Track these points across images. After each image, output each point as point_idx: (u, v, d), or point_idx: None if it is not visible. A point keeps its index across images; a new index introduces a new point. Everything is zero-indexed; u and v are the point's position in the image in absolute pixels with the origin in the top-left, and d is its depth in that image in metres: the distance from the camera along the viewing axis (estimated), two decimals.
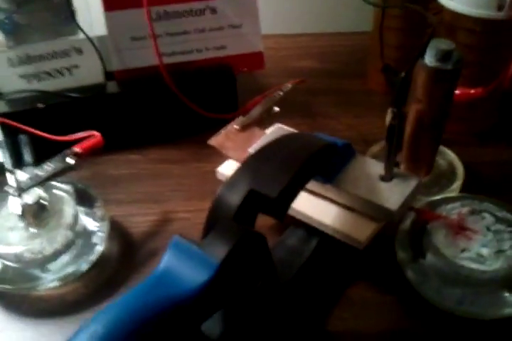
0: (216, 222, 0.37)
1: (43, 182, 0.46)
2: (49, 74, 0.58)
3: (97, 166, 0.59)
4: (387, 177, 0.45)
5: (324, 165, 0.44)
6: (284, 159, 0.40)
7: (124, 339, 0.30)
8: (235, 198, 0.37)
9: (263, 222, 0.43)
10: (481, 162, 0.58)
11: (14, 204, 0.46)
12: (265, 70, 0.67)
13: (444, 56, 0.44)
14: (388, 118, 0.43)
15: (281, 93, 0.56)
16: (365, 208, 0.45)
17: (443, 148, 0.55)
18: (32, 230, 0.47)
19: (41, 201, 0.47)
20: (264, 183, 0.38)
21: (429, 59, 0.45)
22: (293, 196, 0.41)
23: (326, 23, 0.83)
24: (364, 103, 0.67)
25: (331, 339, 0.43)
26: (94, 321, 0.30)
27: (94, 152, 0.48)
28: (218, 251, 0.33)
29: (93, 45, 0.57)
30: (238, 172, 0.39)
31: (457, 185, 0.52)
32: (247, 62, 0.64)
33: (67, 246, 0.47)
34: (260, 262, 0.38)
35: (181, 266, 0.33)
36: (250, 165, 0.40)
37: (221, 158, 0.52)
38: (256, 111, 0.54)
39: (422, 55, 0.45)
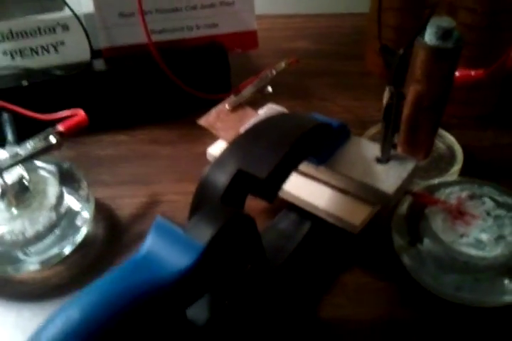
0: (203, 203, 0.36)
1: (24, 161, 0.44)
2: (34, 50, 0.57)
3: (83, 147, 0.58)
4: (383, 159, 0.44)
5: (318, 145, 0.43)
6: (274, 138, 0.39)
7: (102, 324, 0.29)
8: (222, 178, 0.36)
9: (255, 205, 0.43)
10: (480, 146, 0.57)
11: None
12: (259, 51, 0.66)
13: (444, 34, 0.43)
14: (386, 97, 0.42)
15: (274, 72, 0.55)
16: (360, 191, 0.44)
17: (442, 131, 0.54)
18: (13, 211, 0.45)
19: (23, 181, 0.46)
20: (253, 163, 0.37)
21: (428, 37, 0.43)
22: (284, 177, 0.40)
23: (322, 4, 0.81)
24: (361, 85, 0.66)
25: (324, 326, 0.42)
26: (70, 306, 0.29)
27: (78, 131, 0.47)
28: (203, 234, 0.32)
29: (79, 20, 0.56)
30: (226, 152, 0.38)
31: (456, 168, 0.51)
32: (240, 42, 0.63)
33: (50, 228, 0.46)
34: (249, 245, 0.36)
35: (164, 249, 0.32)
36: (239, 145, 0.39)
37: (212, 139, 0.51)
38: (248, 91, 0.53)
39: (421, 32, 0.43)
